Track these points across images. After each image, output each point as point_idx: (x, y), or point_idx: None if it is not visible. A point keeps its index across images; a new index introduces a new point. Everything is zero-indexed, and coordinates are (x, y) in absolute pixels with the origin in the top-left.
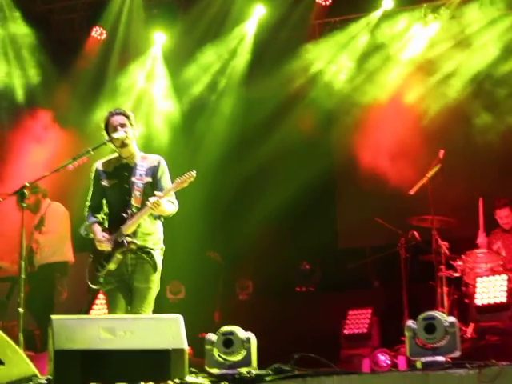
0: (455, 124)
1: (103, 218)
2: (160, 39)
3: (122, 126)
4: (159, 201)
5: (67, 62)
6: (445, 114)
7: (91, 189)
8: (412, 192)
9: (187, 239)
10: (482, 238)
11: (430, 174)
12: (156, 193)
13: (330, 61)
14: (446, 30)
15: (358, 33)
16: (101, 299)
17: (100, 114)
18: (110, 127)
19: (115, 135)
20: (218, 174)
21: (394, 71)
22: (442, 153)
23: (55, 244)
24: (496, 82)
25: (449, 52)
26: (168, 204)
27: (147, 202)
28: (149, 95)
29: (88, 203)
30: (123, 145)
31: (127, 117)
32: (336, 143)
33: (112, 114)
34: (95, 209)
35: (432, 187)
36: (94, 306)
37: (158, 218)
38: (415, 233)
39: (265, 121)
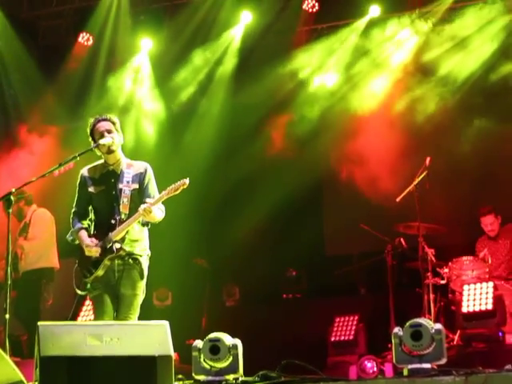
0: (442, 131)
1: (89, 225)
2: (147, 45)
3: (109, 132)
4: (151, 208)
5: (54, 67)
6: (432, 122)
7: (77, 195)
8: (398, 199)
9: (174, 246)
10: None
11: (417, 181)
12: (147, 200)
13: (317, 67)
14: (434, 36)
15: (345, 39)
16: (87, 305)
17: (87, 120)
18: (96, 133)
19: (102, 141)
20: (205, 180)
21: (381, 78)
22: (428, 160)
23: (40, 250)
24: (484, 89)
25: (436, 58)
26: (158, 211)
27: (139, 209)
28: (136, 101)
29: (74, 209)
30: (109, 151)
31: (113, 123)
32: (322, 150)
33: (98, 120)
34: (81, 215)
35: (418, 194)
36: (81, 313)
37: (145, 224)
38: (402, 240)
39: (252, 126)
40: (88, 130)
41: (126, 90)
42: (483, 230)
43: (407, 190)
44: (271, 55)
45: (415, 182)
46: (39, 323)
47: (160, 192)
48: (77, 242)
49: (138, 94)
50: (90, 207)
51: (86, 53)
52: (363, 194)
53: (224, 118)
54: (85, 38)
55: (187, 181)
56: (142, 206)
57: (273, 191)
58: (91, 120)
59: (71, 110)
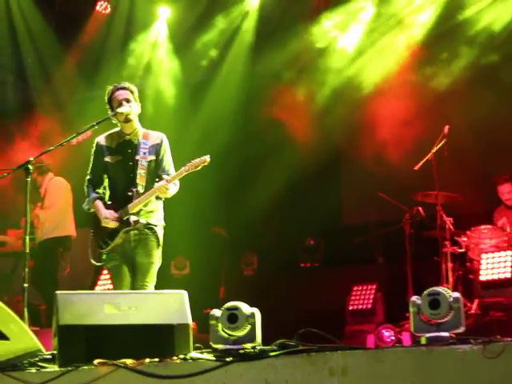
0: (461, 99)
1: (103, 193)
2: (164, 13)
3: (127, 101)
4: (167, 185)
5: (72, 36)
6: (451, 89)
7: (92, 163)
8: (417, 167)
9: (192, 214)
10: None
11: (435, 149)
12: (165, 176)
13: (337, 35)
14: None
15: (365, 5)
16: (105, 274)
17: (105, 89)
18: (114, 101)
19: (120, 110)
20: (224, 149)
21: (403, 45)
22: (447, 128)
23: (56, 219)
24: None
25: (462, 22)
26: (173, 187)
27: (155, 186)
28: (154, 69)
29: (88, 177)
30: (127, 120)
31: (132, 92)
32: (341, 118)
33: (117, 89)
34: (96, 183)
35: (437, 163)
36: (99, 282)
37: (158, 198)
38: (420, 208)
39: (270, 95)
40: (106, 98)
41: (143, 59)
42: (501, 199)
43: (425, 158)
44: (289, 23)
45: (434, 150)
46: (57, 292)
47: (177, 167)
48: (92, 210)
49: (155, 62)
50: (105, 175)
51: (103, 21)
52: (381, 163)
53: (243, 86)
54: (103, 7)
55: (208, 158)
56: (159, 184)
57: (291, 160)
58: (109, 88)
59: (89, 78)
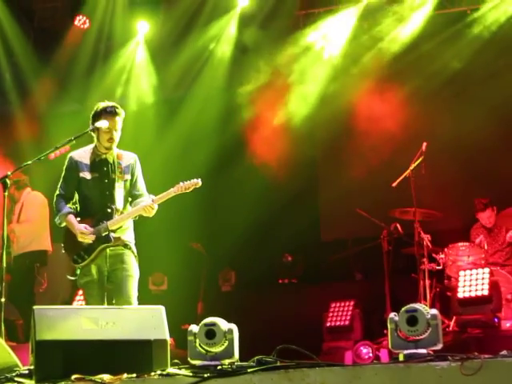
0: (439, 117)
1: (75, 208)
2: (143, 28)
3: (116, 130)
4: (153, 205)
5: (50, 51)
6: (429, 107)
7: (64, 178)
8: (394, 184)
9: (170, 230)
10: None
11: (413, 166)
12: (151, 196)
13: (315, 51)
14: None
15: (344, 23)
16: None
17: (84, 103)
18: (102, 119)
19: (98, 124)
20: (202, 166)
21: (379, 61)
22: (424, 145)
23: (32, 233)
24: (478, 74)
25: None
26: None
27: (142, 205)
28: (132, 85)
29: (60, 192)
30: (109, 148)
31: (120, 117)
32: (319, 135)
33: (108, 112)
34: (67, 199)
35: (415, 179)
36: (76, 297)
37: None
38: (398, 225)
39: (248, 108)
40: (93, 112)
41: (122, 74)
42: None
43: (403, 175)
44: (268, 39)
45: (411, 168)
46: (34, 307)
47: (153, 184)
48: (63, 224)
49: (134, 77)
50: (76, 191)
51: (82, 36)
52: (359, 180)
53: (220, 102)
54: (81, 21)
55: (199, 181)
56: (145, 203)
57: (269, 177)
58: (100, 105)
59: (67, 93)
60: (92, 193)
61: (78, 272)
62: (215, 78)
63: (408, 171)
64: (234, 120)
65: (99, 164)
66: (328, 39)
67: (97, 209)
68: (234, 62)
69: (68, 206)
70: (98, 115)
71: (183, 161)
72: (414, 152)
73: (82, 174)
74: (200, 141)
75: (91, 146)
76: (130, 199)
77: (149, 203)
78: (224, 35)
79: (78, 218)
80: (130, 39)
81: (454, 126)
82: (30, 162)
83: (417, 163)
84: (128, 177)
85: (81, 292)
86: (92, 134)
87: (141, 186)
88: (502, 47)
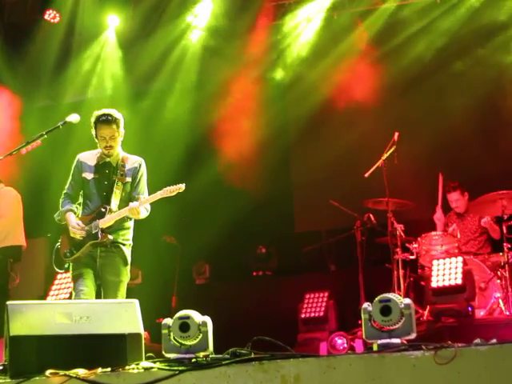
0: (410, 105)
1: (77, 208)
2: (114, 22)
3: (112, 138)
4: (139, 209)
5: (20, 45)
6: (400, 95)
7: (71, 178)
8: (367, 175)
9: (144, 224)
10: (439, 214)
11: (385, 156)
12: (140, 197)
13: (286, 42)
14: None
15: (314, 15)
16: (56, 284)
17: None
18: (99, 134)
19: (68, 118)
20: (170, 157)
21: (349, 52)
22: (396, 135)
23: (6, 228)
24: (448, 62)
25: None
26: (143, 210)
27: (128, 206)
28: (102, 79)
29: (65, 191)
30: (109, 155)
31: (117, 125)
32: (290, 126)
33: (102, 122)
34: (72, 198)
35: (387, 169)
36: (50, 292)
37: (128, 218)
38: (371, 215)
39: (218, 101)
40: (92, 120)
41: (92, 68)
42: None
43: (376, 165)
44: (238, 31)
45: (384, 157)
46: (7, 302)
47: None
48: (63, 222)
49: (104, 71)
50: (81, 192)
51: (51, 30)
52: (332, 170)
53: (191, 94)
54: (51, 16)
55: (183, 186)
56: (131, 205)
57: (243, 168)
58: (97, 114)
59: (38, 88)
60: (91, 193)
61: (67, 265)
62: (186, 71)
63: (380, 161)
64: (207, 112)
65: (102, 166)
66: (299, 28)
67: (94, 208)
68: (204, 54)
69: (71, 204)
70: (95, 124)
71: (156, 154)
72: (385, 142)
73: (84, 175)
74: (172, 133)
75: (99, 149)
76: (131, 202)
77: (134, 205)
78: (195, 27)
79: (80, 216)
80: (101, 33)
81: (426, 115)
82: (1, 157)
83: (389, 153)
84: (129, 179)
85: (54, 287)
86: (95, 139)
87: (141, 189)
88: (477, 35)
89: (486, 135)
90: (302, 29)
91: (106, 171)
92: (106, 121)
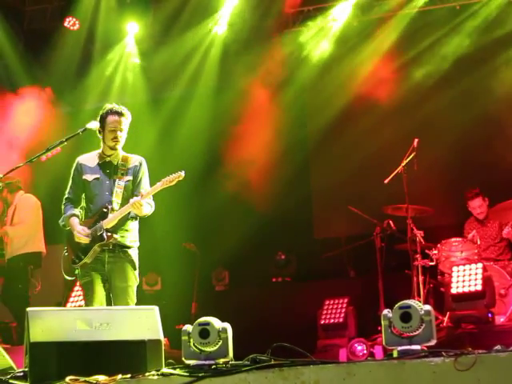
0: (429, 112)
1: (80, 212)
2: (133, 29)
3: (121, 131)
4: (141, 202)
5: (40, 52)
6: (419, 102)
7: (71, 182)
8: (387, 181)
9: (163, 230)
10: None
11: (405, 162)
12: (142, 191)
13: (306, 48)
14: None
15: (333, 21)
16: (76, 291)
17: (73, 105)
18: (107, 124)
19: (88, 125)
20: (191, 164)
21: (370, 58)
22: (416, 141)
23: (26, 235)
24: (469, 69)
25: (425, 37)
26: (147, 206)
27: (130, 201)
28: (121, 86)
29: (66, 196)
30: (114, 148)
31: (127, 119)
32: (310, 132)
33: (114, 112)
34: (74, 202)
35: (407, 176)
36: (70, 299)
37: (134, 218)
38: (390, 222)
39: (238, 108)
40: (100, 114)
41: (112, 75)
42: (471, 212)
43: (395, 171)
44: (258, 38)
45: (403, 164)
46: (28, 309)
47: (152, 185)
48: (68, 227)
49: (124, 78)
50: (83, 195)
51: (71, 37)
52: (351, 176)
53: (211, 101)
54: (71, 23)
55: (183, 173)
56: (133, 199)
57: (260, 174)
58: (107, 106)
59: (58, 95)
60: (93, 194)
61: (77, 272)
62: (205, 78)
63: (400, 167)
64: (226, 118)
65: (102, 166)
66: (319, 35)
67: (96, 209)
68: (223, 62)
69: (73, 208)
70: (103, 117)
71: (175, 161)
72: (405, 148)
73: (84, 177)
74: (192, 140)
75: (98, 150)
76: None
77: (136, 199)
78: (213, 35)
79: (85, 220)
80: (120, 40)
81: (446, 122)
82: (21, 165)
83: (409, 159)
84: (129, 178)
85: (74, 293)
86: (98, 135)
87: (143, 187)
88: (498, 41)
89: (506, 141)
90: (322, 35)
91: (107, 171)
92: (118, 112)
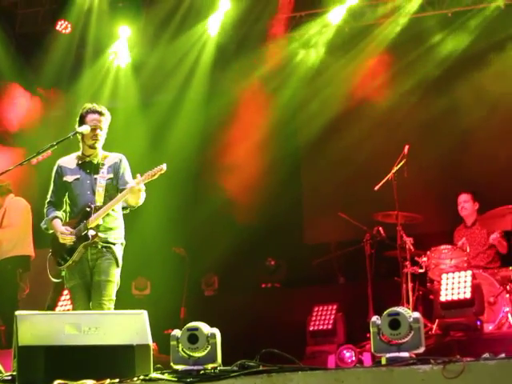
0: (419, 119)
1: (63, 215)
2: (125, 33)
3: (101, 129)
4: (139, 187)
5: (31, 55)
6: (410, 109)
7: (52, 185)
8: (377, 188)
9: (152, 235)
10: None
11: (395, 169)
12: (138, 176)
13: (297, 54)
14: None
15: (325, 27)
16: (65, 295)
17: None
18: (87, 121)
19: (79, 129)
20: (182, 169)
21: (361, 65)
22: (406, 148)
23: (15, 238)
24: (459, 77)
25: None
26: (143, 192)
27: (127, 186)
28: (113, 90)
29: (48, 199)
30: (93, 147)
31: (106, 118)
32: (301, 138)
33: (93, 111)
34: (56, 205)
35: (397, 183)
36: (59, 302)
37: (125, 208)
38: (380, 228)
39: (228, 114)
40: (80, 113)
41: (103, 78)
42: (461, 220)
43: (385, 178)
44: (250, 43)
45: (393, 171)
46: (17, 313)
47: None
48: (51, 231)
49: (115, 81)
50: (65, 198)
51: (63, 40)
52: (342, 183)
53: (200, 106)
54: (63, 26)
55: (164, 166)
56: (130, 184)
57: (250, 180)
58: (87, 106)
59: (49, 97)
60: (74, 195)
61: (63, 274)
62: (197, 83)
63: (390, 174)
64: (217, 124)
65: (82, 166)
66: (311, 42)
67: (79, 209)
68: (215, 67)
69: (55, 211)
70: (83, 116)
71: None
72: (395, 155)
73: (65, 178)
74: (183, 145)
75: (78, 152)
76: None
77: (133, 184)
78: (205, 39)
79: (68, 221)
80: (112, 44)
81: (437, 129)
82: (11, 168)
83: (399, 166)
84: (110, 176)
85: (63, 297)
86: (78, 136)
87: (128, 179)
88: (492, 47)
89: (496, 150)
90: (314, 41)
91: (88, 170)
92: (97, 111)
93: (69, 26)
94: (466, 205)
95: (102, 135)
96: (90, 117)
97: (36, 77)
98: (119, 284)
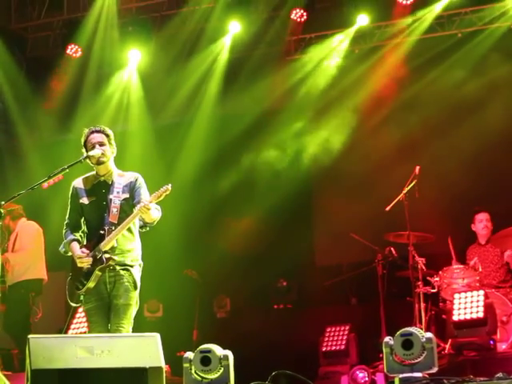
0: (431, 140)
1: (81, 236)
2: (135, 56)
3: (101, 144)
4: (148, 206)
5: (42, 80)
6: (421, 130)
7: (69, 207)
8: (388, 208)
9: (165, 257)
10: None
11: (406, 189)
12: (143, 199)
13: (307, 76)
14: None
15: (334, 48)
16: (78, 318)
17: (75, 132)
18: (88, 144)
19: (91, 153)
20: (194, 192)
21: (370, 86)
22: (417, 169)
23: (27, 262)
24: (466, 98)
25: (424, 67)
26: (154, 210)
27: (136, 208)
28: (124, 112)
29: (66, 221)
30: (99, 162)
31: (107, 135)
32: (313, 160)
33: (92, 132)
34: (73, 227)
35: (408, 203)
36: (72, 326)
37: (143, 227)
38: (392, 249)
39: (240, 138)
40: (82, 141)
41: (114, 102)
42: (474, 238)
43: (397, 199)
44: (260, 65)
45: (405, 191)
46: (29, 336)
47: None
48: (69, 253)
49: (126, 105)
50: (83, 219)
51: (74, 65)
52: (353, 204)
53: (212, 129)
54: (73, 50)
55: (170, 186)
56: (139, 205)
57: (262, 202)
58: (85, 131)
59: (59, 122)
60: (91, 217)
61: (82, 298)
62: (206, 106)
63: (401, 195)
64: (229, 146)
65: (97, 187)
66: (320, 65)
67: (94, 232)
68: (226, 89)
69: (74, 233)
70: (86, 138)
71: (180, 189)
72: (407, 175)
73: (81, 201)
74: (196, 167)
75: (93, 172)
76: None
77: (142, 204)
78: (216, 62)
79: (85, 243)
80: (122, 67)
81: (448, 150)
82: (23, 192)
83: (410, 186)
84: (126, 196)
85: (76, 320)
86: (88, 161)
87: (144, 196)
88: (502, 70)
89: (508, 169)
90: (324, 63)
91: (103, 191)
92: (96, 131)
93: (79, 50)
94: (489, 224)
95: (107, 150)
96: (91, 136)
97: (45, 100)
98: (138, 303)
